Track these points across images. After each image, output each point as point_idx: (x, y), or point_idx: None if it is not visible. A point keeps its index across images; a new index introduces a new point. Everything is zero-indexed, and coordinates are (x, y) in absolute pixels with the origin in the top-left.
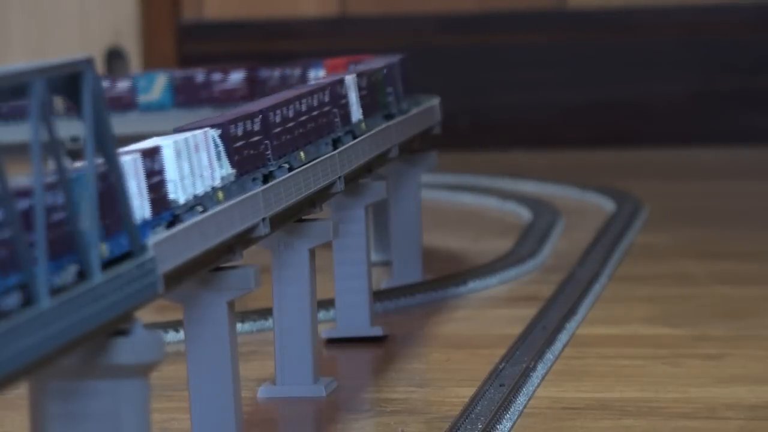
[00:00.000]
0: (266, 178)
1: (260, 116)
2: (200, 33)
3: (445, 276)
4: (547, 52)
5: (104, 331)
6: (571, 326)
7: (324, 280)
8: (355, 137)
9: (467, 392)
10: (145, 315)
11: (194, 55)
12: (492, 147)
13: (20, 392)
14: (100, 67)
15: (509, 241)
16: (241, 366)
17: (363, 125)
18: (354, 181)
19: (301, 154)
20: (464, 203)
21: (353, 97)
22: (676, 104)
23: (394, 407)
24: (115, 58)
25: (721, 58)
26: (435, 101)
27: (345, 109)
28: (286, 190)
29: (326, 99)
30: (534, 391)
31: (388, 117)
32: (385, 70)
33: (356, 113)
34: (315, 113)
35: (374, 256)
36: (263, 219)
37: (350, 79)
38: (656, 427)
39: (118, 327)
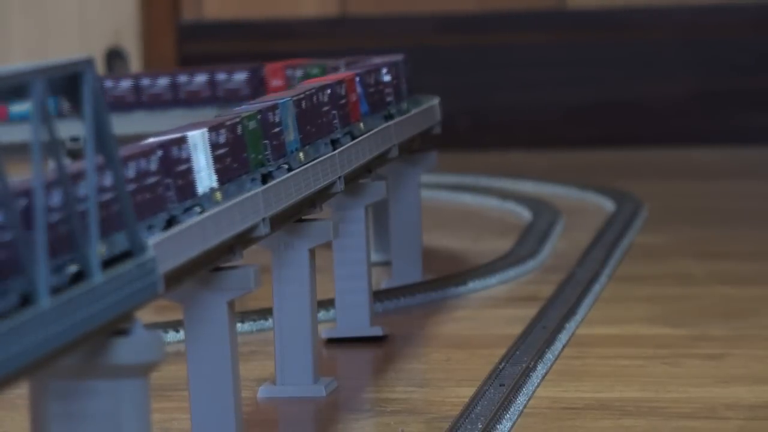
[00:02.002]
0: (26, 300)
1: (22, 201)
2: (200, 33)
3: (445, 276)
4: (547, 52)
5: (104, 331)
6: (571, 326)
7: (324, 280)
8: (203, 211)
9: (467, 392)
10: (145, 315)
11: (194, 55)
12: (492, 147)
13: (20, 392)
14: (100, 67)
15: (509, 241)
16: (241, 366)
17: (218, 195)
18: (354, 181)
19: (102, 248)
20: (464, 203)
21: (202, 160)
22: (676, 104)
23: (394, 407)
24: (115, 58)
25: (721, 58)
26: (435, 101)
27: (186, 177)
28: (286, 190)
29: (153, 167)
30: (534, 391)
31: (266, 178)
32: (261, 116)
33: (206, 181)
34: (131, 188)
35: (374, 256)
36: (263, 219)
37: (198, 136)
38: (656, 427)
39: (118, 327)
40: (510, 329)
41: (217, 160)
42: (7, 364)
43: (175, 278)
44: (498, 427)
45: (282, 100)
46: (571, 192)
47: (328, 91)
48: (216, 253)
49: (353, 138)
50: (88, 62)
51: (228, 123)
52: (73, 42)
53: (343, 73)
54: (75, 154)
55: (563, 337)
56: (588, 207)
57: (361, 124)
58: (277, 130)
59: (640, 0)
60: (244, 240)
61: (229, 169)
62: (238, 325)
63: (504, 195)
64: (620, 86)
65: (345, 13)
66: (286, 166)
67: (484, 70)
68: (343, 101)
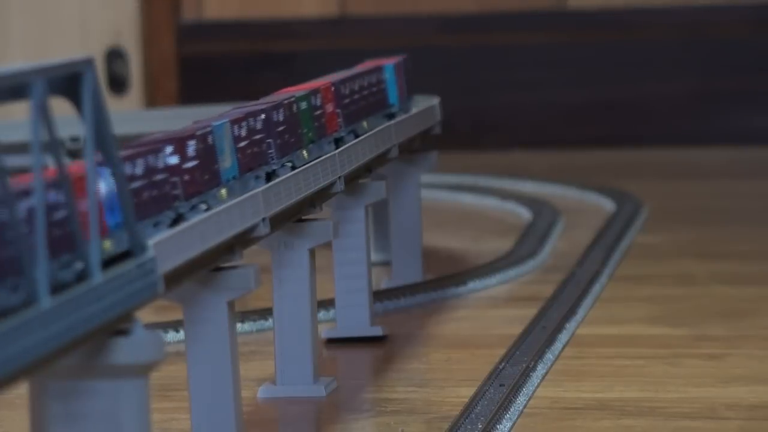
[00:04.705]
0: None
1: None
2: (200, 33)
3: (445, 276)
4: (547, 52)
5: (104, 331)
6: (571, 326)
7: (324, 280)
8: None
9: (467, 392)
10: (145, 315)
11: (194, 55)
12: (492, 147)
13: (20, 392)
14: (100, 67)
15: (509, 241)
16: (241, 366)
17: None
18: (354, 181)
19: (108, 243)
20: (464, 203)
21: None
22: (676, 104)
23: (394, 407)
24: (115, 58)
25: (721, 58)
26: (435, 101)
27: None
28: (286, 190)
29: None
30: (534, 391)
31: None
32: None
33: None
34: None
35: (374, 256)
36: (263, 219)
37: None
38: (656, 427)
39: (118, 327)
40: (510, 329)
41: None
42: (7, 364)
43: (175, 278)
44: (498, 427)
45: None
46: (571, 192)
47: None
48: (216, 253)
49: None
50: (88, 62)
51: None
52: (73, 42)
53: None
54: (75, 154)
55: (563, 337)
56: (588, 207)
57: (109, 242)
58: None
59: (640, 0)
60: (244, 240)
61: None
62: (238, 325)
63: (504, 195)
64: (620, 86)
65: (345, 13)
66: None
67: (484, 70)
68: (62, 215)
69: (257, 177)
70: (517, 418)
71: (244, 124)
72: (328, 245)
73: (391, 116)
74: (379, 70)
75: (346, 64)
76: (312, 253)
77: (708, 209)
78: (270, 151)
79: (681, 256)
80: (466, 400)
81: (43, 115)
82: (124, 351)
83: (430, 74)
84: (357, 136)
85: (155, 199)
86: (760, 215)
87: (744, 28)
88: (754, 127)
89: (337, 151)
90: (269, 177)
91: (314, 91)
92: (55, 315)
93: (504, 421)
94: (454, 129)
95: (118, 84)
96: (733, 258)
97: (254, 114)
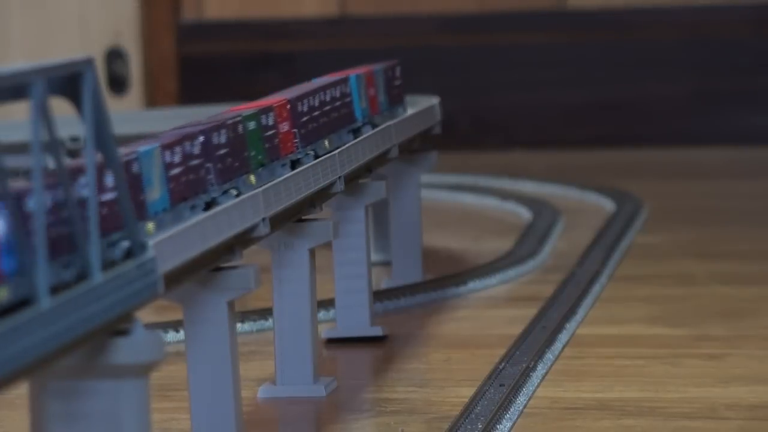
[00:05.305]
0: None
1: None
2: (200, 33)
3: (445, 276)
4: (547, 52)
5: (104, 331)
6: (571, 326)
7: (324, 280)
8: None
9: (467, 392)
10: (145, 315)
11: (194, 55)
12: (492, 147)
13: (20, 392)
14: (100, 67)
15: (509, 241)
16: (241, 366)
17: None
18: (354, 181)
19: None
20: (464, 203)
21: None
22: (676, 104)
23: (394, 407)
24: (115, 58)
25: (721, 58)
26: (435, 101)
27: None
28: (286, 190)
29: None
30: (534, 391)
31: None
32: None
33: None
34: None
35: (374, 256)
36: (263, 219)
37: None
38: (656, 427)
39: (118, 327)
40: (510, 329)
41: None
42: (7, 364)
43: (175, 278)
44: (498, 427)
45: None
46: (571, 192)
47: None
48: (216, 253)
49: None
50: (88, 62)
51: None
52: (73, 42)
53: None
54: (75, 154)
55: (563, 337)
56: (588, 207)
57: (5, 289)
58: None
59: (640, 0)
60: (244, 240)
61: None
62: (238, 325)
63: (504, 195)
64: (620, 86)
65: (345, 13)
66: None
67: (484, 70)
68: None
69: (193, 207)
70: (517, 418)
71: (177, 149)
72: (328, 245)
73: (356, 131)
74: (343, 82)
75: (346, 64)
76: (312, 253)
77: (708, 209)
78: (209, 177)
79: (681, 256)
80: (466, 400)
81: (43, 115)
82: (124, 351)
83: (430, 74)
84: (317, 157)
85: (67, 237)
86: (760, 215)
87: (744, 28)
88: (754, 127)
89: (337, 151)
90: (209, 206)
91: (265, 110)
92: (55, 315)
93: (504, 421)
94: (454, 129)
95: (118, 84)
96: (733, 258)
97: (190, 137)
